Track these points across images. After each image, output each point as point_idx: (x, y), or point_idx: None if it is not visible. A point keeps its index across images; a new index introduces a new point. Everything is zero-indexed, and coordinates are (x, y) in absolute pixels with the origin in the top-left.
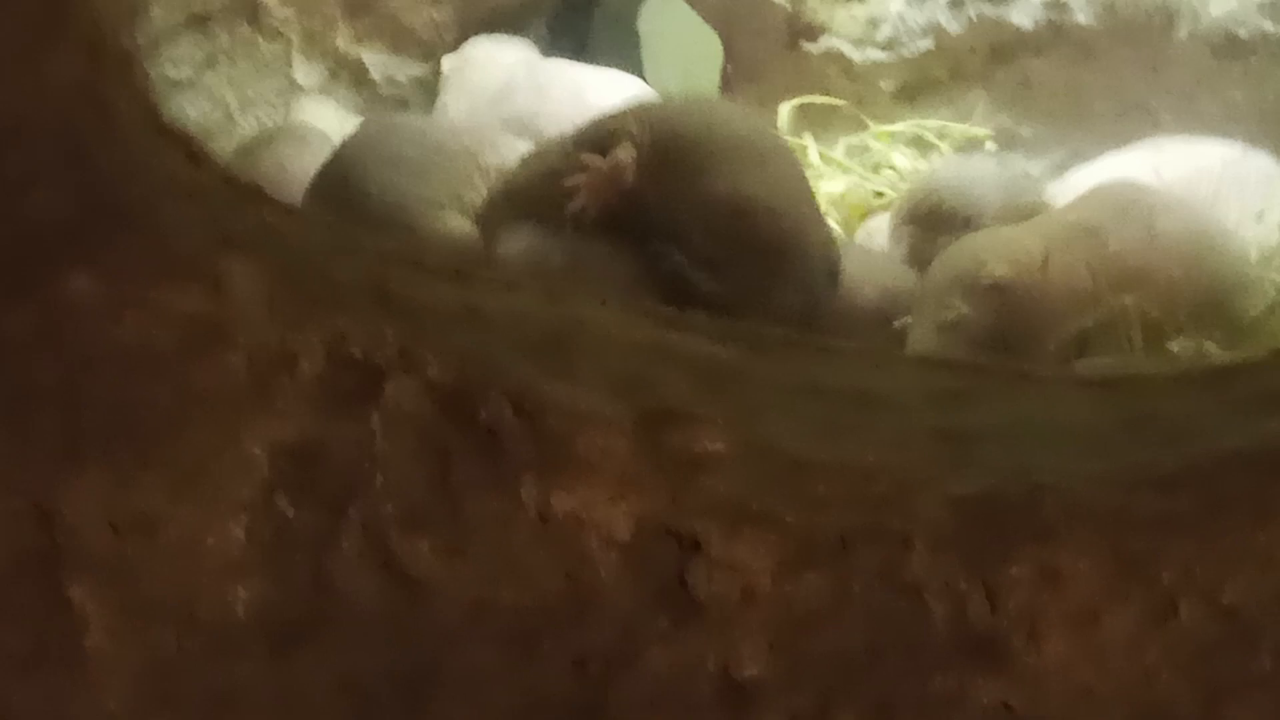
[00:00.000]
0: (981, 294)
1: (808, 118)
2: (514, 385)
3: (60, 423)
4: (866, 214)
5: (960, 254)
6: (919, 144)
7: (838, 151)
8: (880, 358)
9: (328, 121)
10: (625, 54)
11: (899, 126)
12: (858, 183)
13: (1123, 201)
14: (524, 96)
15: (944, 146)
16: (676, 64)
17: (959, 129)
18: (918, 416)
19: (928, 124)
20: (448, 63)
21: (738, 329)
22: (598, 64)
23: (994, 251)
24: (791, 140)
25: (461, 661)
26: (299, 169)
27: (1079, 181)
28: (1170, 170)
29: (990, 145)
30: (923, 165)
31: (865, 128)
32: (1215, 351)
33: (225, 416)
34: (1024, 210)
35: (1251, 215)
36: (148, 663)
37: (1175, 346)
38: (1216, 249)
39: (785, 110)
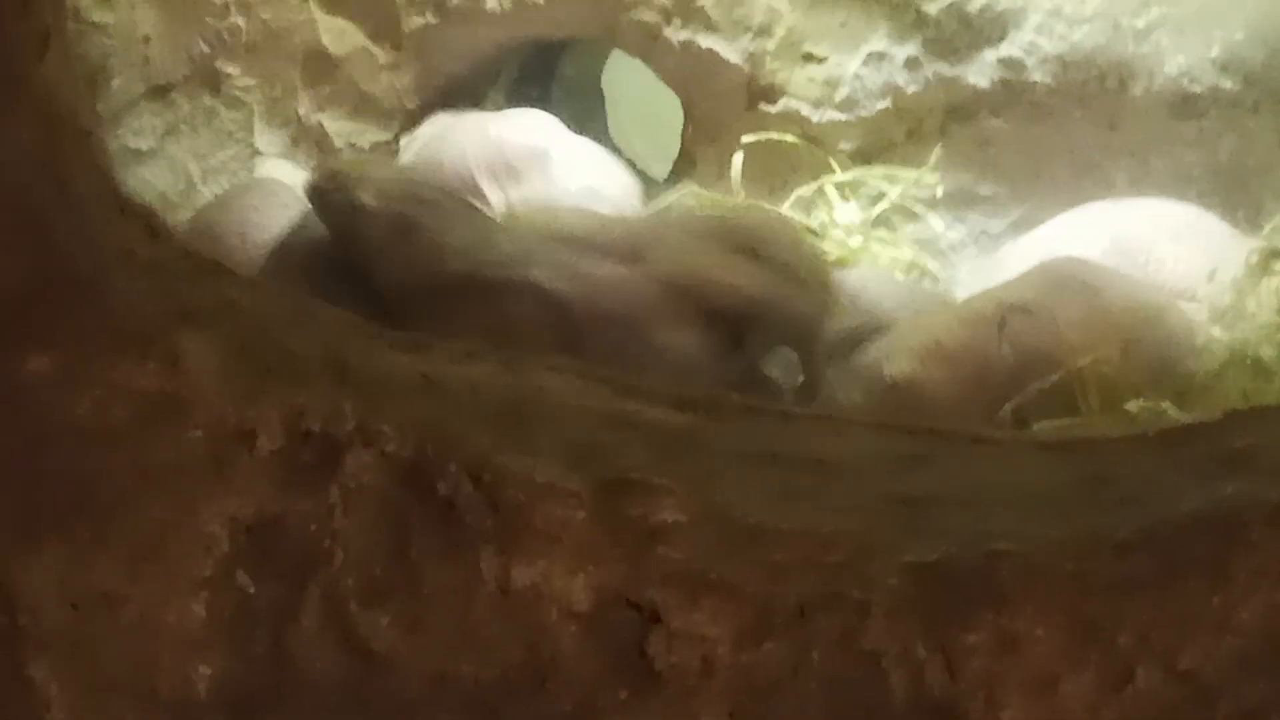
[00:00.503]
0: (882, 395)
1: (763, 167)
2: (472, 457)
3: (17, 499)
4: None
5: (866, 353)
6: (872, 196)
7: (787, 204)
8: (836, 424)
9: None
10: (588, 115)
11: (848, 176)
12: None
13: (1061, 277)
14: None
15: (894, 194)
16: (639, 125)
17: (909, 175)
18: (874, 482)
19: (874, 171)
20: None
21: (693, 396)
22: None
23: (897, 347)
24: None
25: None
26: (267, 220)
27: (1028, 245)
28: (1124, 230)
29: (940, 191)
30: (868, 216)
31: (821, 172)
32: (1172, 411)
33: (184, 493)
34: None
35: (1202, 275)
36: None
37: (1133, 407)
38: (1160, 317)
39: (738, 159)
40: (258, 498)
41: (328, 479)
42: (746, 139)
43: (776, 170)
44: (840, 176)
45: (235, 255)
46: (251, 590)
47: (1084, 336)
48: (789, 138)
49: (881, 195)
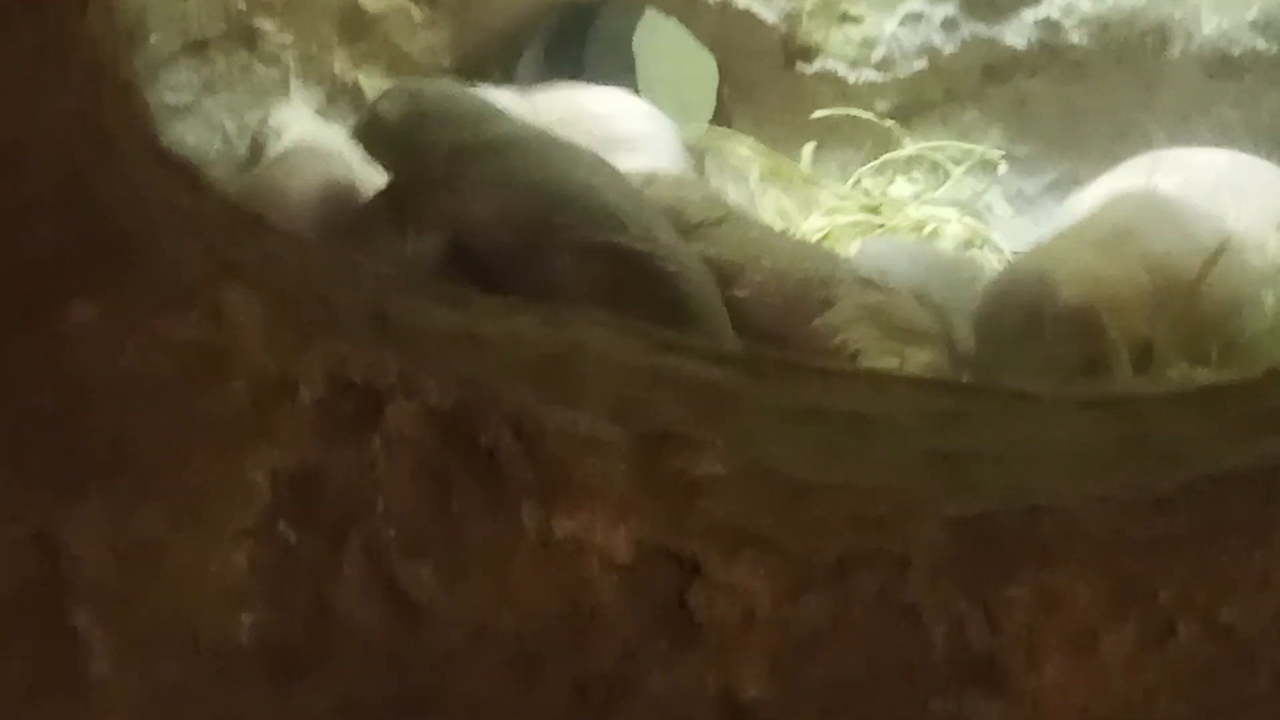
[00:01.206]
0: (1068, 320)
1: (826, 137)
2: (513, 410)
3: (62, 452)
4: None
5: (1021, 283)
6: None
7: (851, 181)
8: (875, 380)
9: (303, 125)
10: (620, 75)
11: (911, 150)
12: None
13: (1150, 206)
14: None
15: (955, 170)
16: (671, 85)
17: (971, 150)
18: (915, 439)
19: (940, 146)
20: None
21: (733, 352)
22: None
23: (1058, 273)
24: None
25: (462, 686)
26: (312, 182)
27: (1095, 192)
28: (1189, 177)
29: (1003, 167)
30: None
31: (885, 144)
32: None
33: (227, 444)
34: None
35: (1266, 226)
36: (151, 691)
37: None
38: (1238, 258)
39: (809, 149)
40: (300, 448)
41: (369, 430)
42: (819, 114)
43: (836, 144)
44: (904, 152)
45: (288, 215)
46: (293, 541)
47: (1183, 268)
48: (860, 113)
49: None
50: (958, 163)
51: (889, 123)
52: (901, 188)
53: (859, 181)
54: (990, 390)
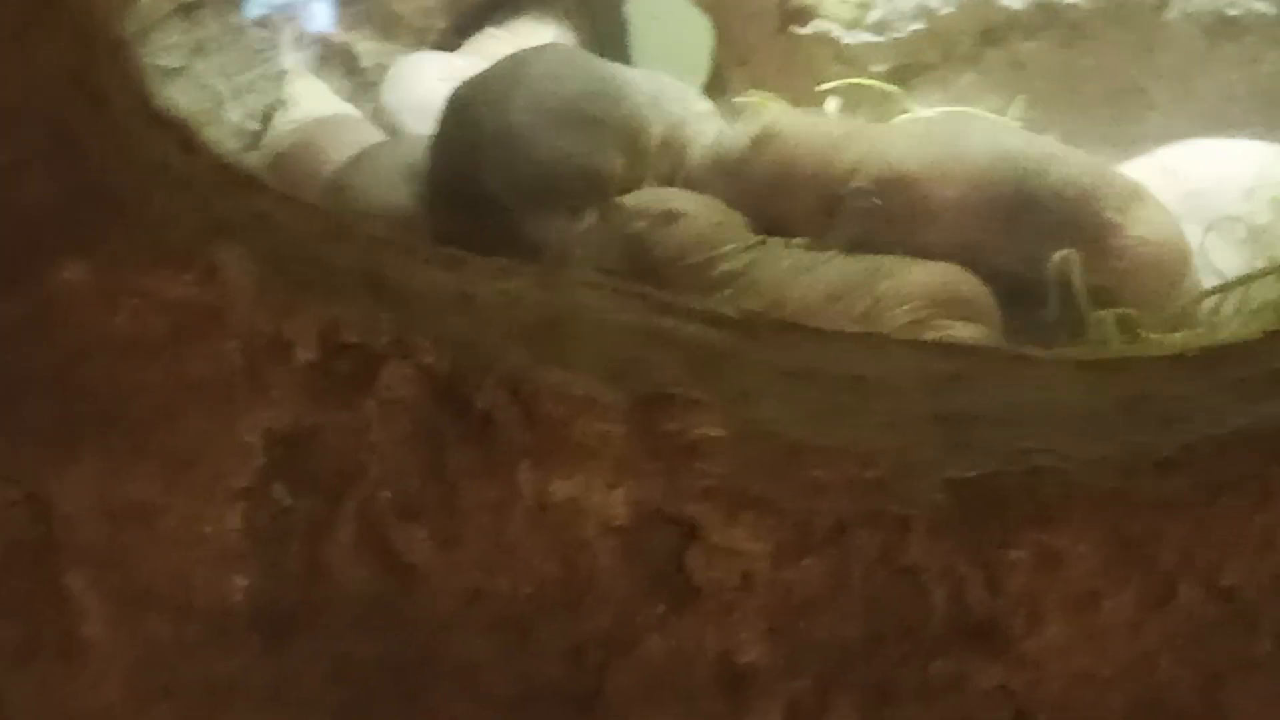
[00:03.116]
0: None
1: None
2: (509, 371)
3: (54, 412)
4: None
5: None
6: None
7: None
8: (874, 341)
9: (317, 98)
10: (615, 36)
11: (933, 111)
12: None
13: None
14: None
15: None
16: (666, 48)
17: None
18: (914, 400)
19: (957, 111)
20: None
21: (729, 313)
22: (586, 48)
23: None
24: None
25: (457, 649)
26: (354, 146)
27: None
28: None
29: None
30: None
31: (883, 108)
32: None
33: (220, 404)
34: None
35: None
36: (145, 652)
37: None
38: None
39: (832, 103)
40: (294, 409)
41: (364, 391)
42: (826, 86)
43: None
44: (929, 112)
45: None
46: (288, 503)
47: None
48: (873, 83)
49: None
50: None
51: (892, 88)
52: None
53: None
54: (989, 352)
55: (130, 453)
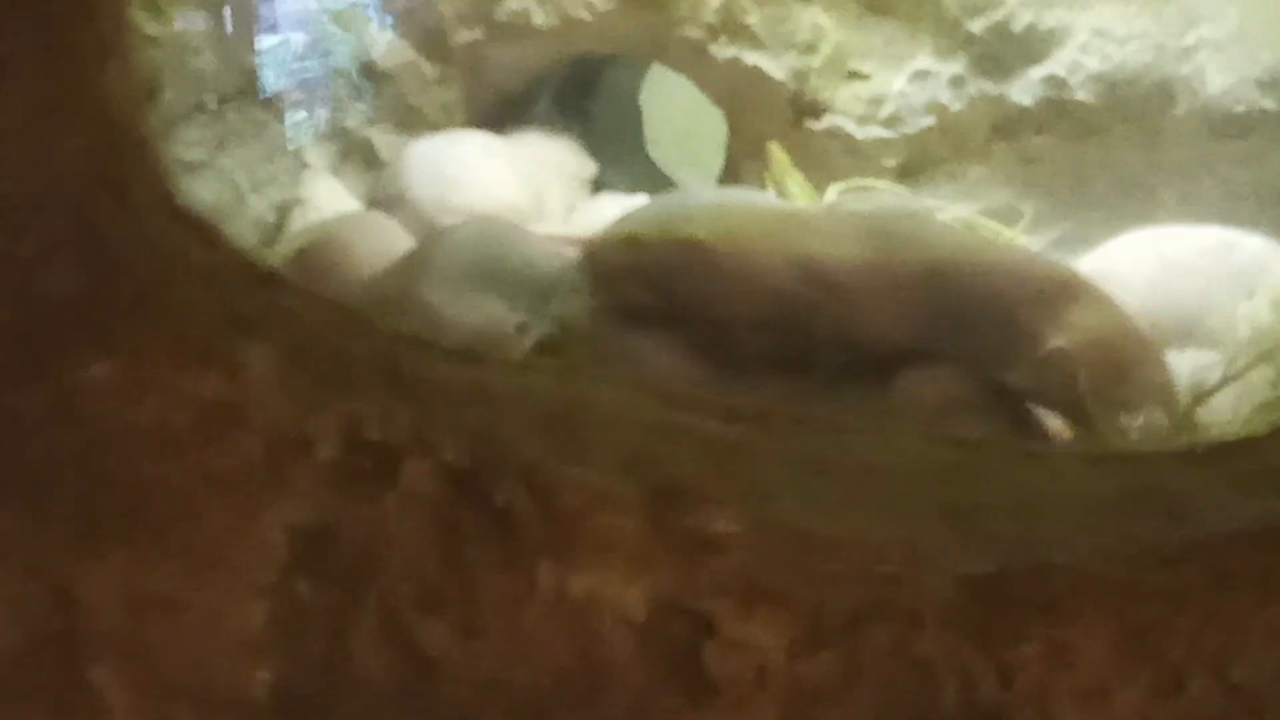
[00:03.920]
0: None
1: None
2: (526, 465)
3: (78, 504)
4: None
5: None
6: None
7: None
8: (885, 433)
9: (335, 199)
10: (627, 130)
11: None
12: None
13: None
14: None
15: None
16: (679, 140)
17: (1003, 233)
18: (925, 491)
19: (980, 223)
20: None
21: (743, 406)
22: (600, 140)
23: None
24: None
25: None
26: (367, 254)
27: (1104, 253)
28: (1172, 252)
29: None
30: None
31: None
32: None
33: (243, 499)
34: None
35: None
36: None
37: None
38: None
39: (833, 190)
40: (315, 504)
41: (384, 486)
42: (838, 187)
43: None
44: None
45: (354, 272)
46: (309, 596)
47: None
48: (876, 183)
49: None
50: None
51: (899, 188)
52: None
53: None
54: (998, 444)
55: (153, 546)
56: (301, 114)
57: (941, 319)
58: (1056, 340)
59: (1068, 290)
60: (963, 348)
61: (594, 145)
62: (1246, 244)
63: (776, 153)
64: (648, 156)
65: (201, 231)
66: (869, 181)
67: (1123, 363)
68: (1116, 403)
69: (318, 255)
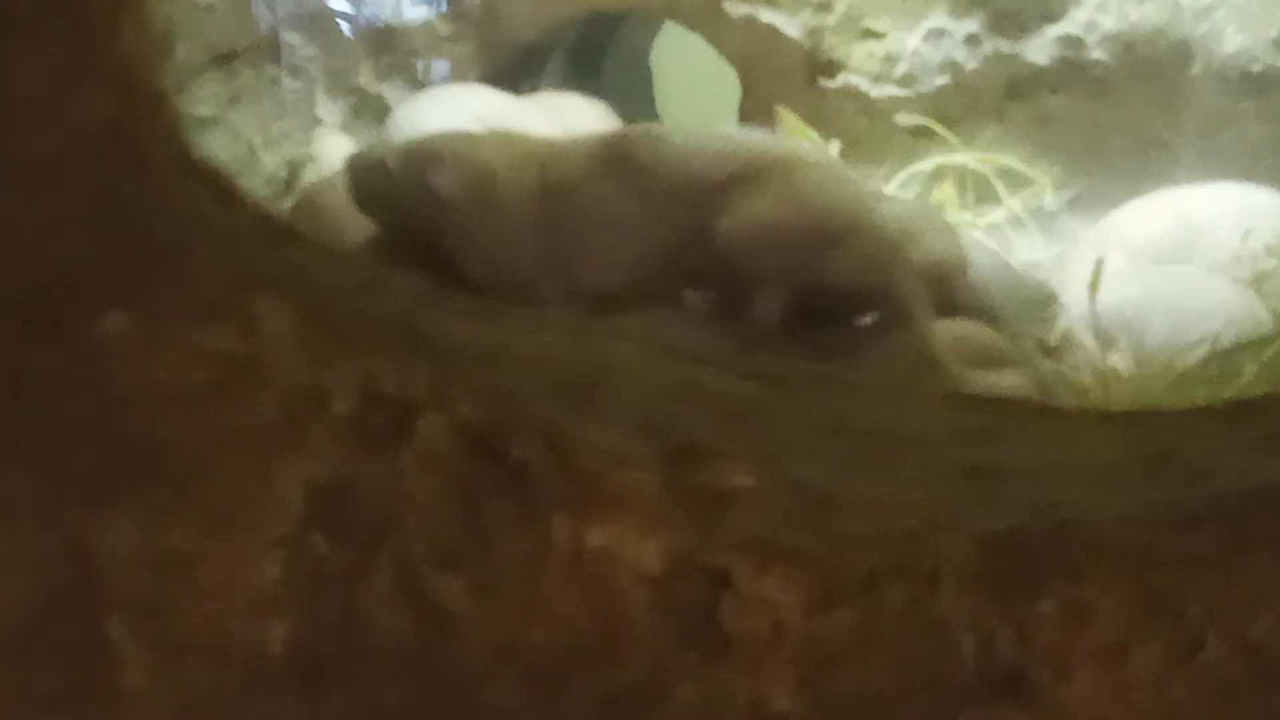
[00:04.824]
0: None
1: (848, 153)
2: (544, 423)
3: (94, 461)
4: None
5: None
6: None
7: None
8: (905, 394)
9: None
10: (639, 87)
11: (963, 158)
12: None
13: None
14: None
15: (1015, 205)
16: (691, 99)
17: (1027, 179)
18: (944, 453)
19: (994, 159)
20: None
21: (762, 366)
22: (610, 99)
23: None
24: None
25: (490, 698)
26: None
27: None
28: (1194, 213)
29: (1048, 197)
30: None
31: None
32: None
33: (259, 455)
34: None
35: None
36: (184, 701)
37: None
38: None
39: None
40: (331, 460)
41: (400, 443)
42: (903, 119)
43: (856, 158)
44: (959, 157)
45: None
46: (325, 552)
47: None
48: (935, 125)
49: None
50: (1000, 176)
51: (942, 130)
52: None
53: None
54: (1016, 405)
55: (170, 502)
56: (314, 70)
57: (645, 225)
58: (722, 224)
59: (746, 173)
60: (665, 249)
61: (605, 103)
62: (1262, 199)
63: (786, 115)
64: (658, 116)
65: (218, 187)
66: (928, 122)
67: (802, 242)
68: (814, 285)
69: (325, 210)
